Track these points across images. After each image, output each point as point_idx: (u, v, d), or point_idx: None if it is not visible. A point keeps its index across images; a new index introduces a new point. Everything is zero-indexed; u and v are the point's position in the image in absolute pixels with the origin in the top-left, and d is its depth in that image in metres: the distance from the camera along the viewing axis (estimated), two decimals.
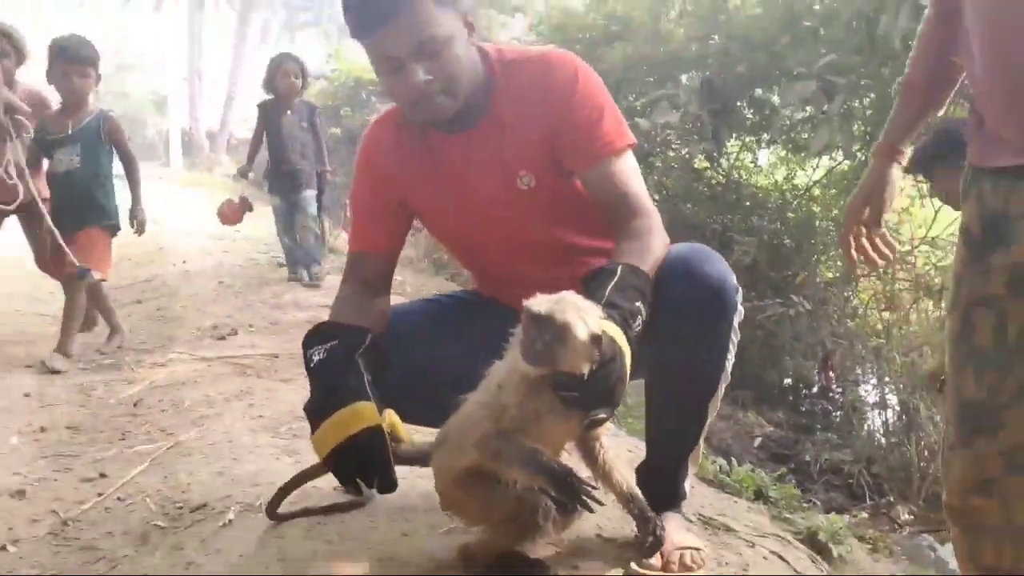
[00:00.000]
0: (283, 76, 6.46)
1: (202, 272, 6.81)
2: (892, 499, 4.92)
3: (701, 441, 2.15)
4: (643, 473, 2.17)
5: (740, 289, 1.98)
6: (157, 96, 36.95)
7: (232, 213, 6.74)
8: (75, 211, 4.61)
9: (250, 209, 6.74)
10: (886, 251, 2.21)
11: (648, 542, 1.85)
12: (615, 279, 1.79)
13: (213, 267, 7.35)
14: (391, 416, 1.96)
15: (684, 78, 6.79)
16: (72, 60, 4.49)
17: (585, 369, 1.61)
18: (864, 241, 2.21)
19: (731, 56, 6.49)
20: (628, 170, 2.07)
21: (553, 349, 1.61)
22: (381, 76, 2.06)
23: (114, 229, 4.78)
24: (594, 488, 1.74)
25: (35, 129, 4.44)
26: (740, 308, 1.98)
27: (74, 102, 4.65)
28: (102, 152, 4.70)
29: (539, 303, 1.64)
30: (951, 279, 1.78)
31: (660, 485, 2.14)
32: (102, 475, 2.98)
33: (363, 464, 1.90)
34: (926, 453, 5.10)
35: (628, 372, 1.65)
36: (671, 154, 7.39)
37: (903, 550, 3.85)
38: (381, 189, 2.25)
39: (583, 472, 1.83)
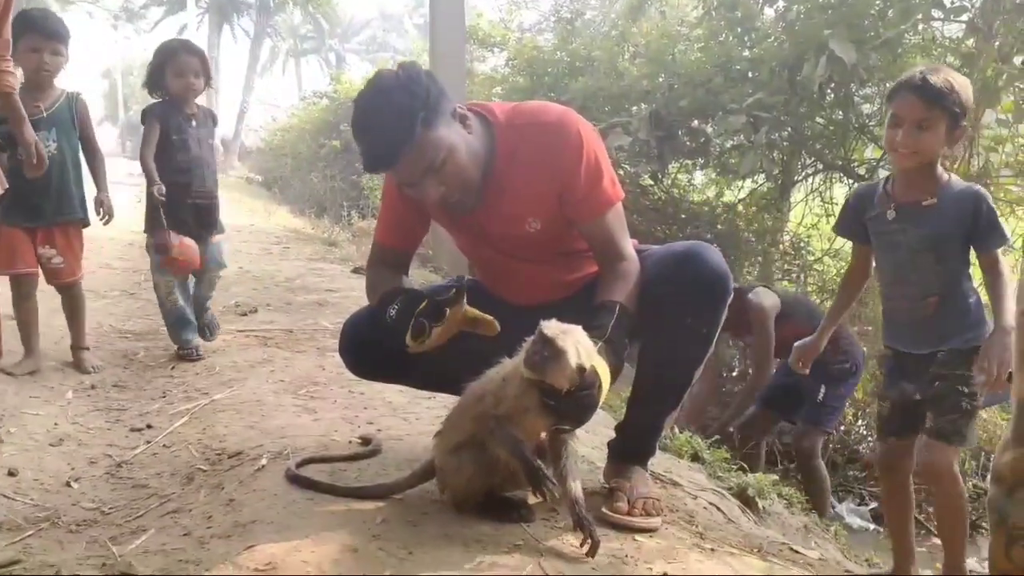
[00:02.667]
0: (177, 75, 3.78)
1: None
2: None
3: (678, 407, 2.21)
4: (623, 430, 2.22)
5: (732, 277, 2.05)
6: None
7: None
8: (50, 203, 3.57)
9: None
10: None
11: (588, 546, 1.76)
12: (615, 317, 1.91)
13: (233, 254, 7.19)
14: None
15: (635, 109, 6.82)
16: (48, 35, 3.45)
17: (564, 388, 1.73)
18: None
19: (675, 92, 6.53)
20: (617, 222, 2.10)
21: (546, 364, 1.72)
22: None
23: (86, 223, 3.74)
24: (555, 484, 1.82)
25: None
26: (732, 292, 2.05)
27: (44, 82, 3.54)
28: (74, 137, 3.62)
29: (551, 327, 1.74)
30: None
31: (637, 442, 2.19)
32: (148, 426, 2.98)
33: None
34: None
35: (601, 401, 1.78)
36: (621, 172, 7.44)
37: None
38: (405, 200, 2.21)
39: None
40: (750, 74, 6.25)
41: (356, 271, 6.66)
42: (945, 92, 2.35)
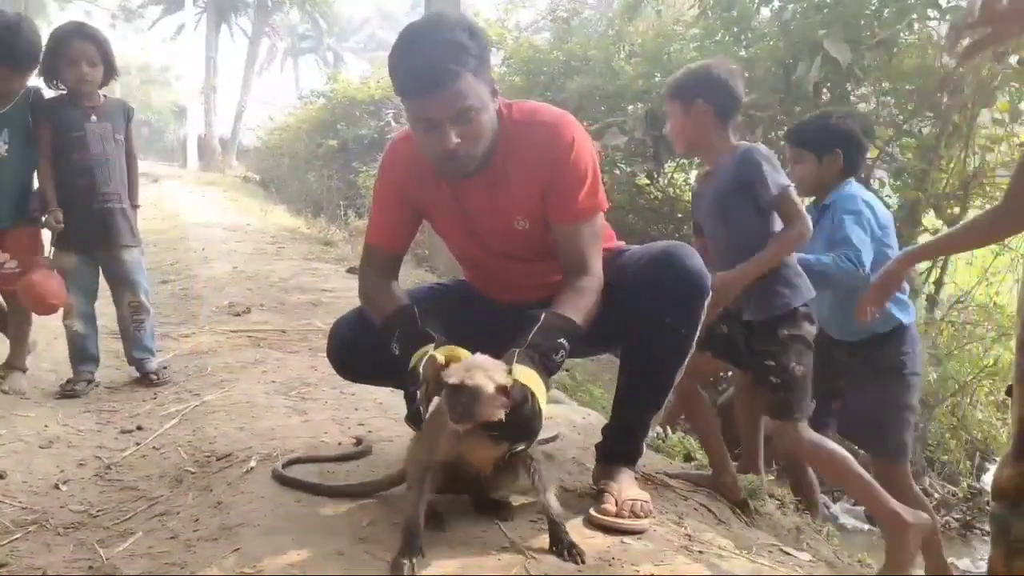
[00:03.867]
0: (71, 64, 3.34)
1: (218, 258, 6.71)
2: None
3: (663, 407, 2.21)
4: (609, 432, 2.22)
5: (711, 276, 2.05)
6: (176, 107, 36.44)
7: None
8: (2, 208, 3.33)
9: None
10: None
11: (564, 555, 1.76)
12: (538, 324, 1.86)
13: (228, 254, 7.26)
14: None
15: (631, 108, 6.81)
16: (27, 64, 3.27)
17: (501, 415, 1.68)
18: None
19: None
20: (592, 234, 2.08)
21: (470, 409, 1.67)
22: (416, 131, 2.02)
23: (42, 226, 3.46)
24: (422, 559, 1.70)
25: None
26: (711, 292, 2.05)
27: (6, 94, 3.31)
28: (31, 137, 3.33)
29: (452, 374, 1.69)
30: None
31: (624, 443, 2.19)
32: (139, 428, 2.97)
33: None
34: None
35: (542, 407, 1.73)
36: (617, 172, 7.44)
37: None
38: (398, 196, 2.21)
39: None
40: (746, 73, 6.22)
41: (351, 271, 6.65)
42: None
